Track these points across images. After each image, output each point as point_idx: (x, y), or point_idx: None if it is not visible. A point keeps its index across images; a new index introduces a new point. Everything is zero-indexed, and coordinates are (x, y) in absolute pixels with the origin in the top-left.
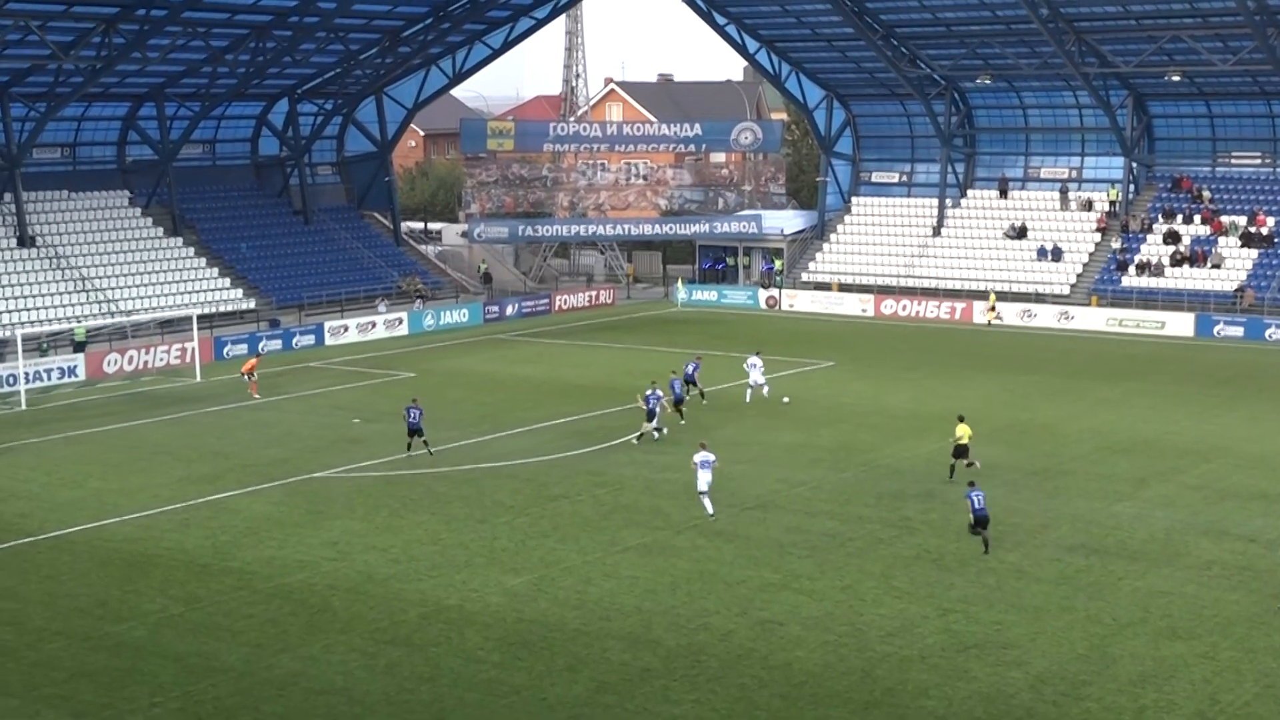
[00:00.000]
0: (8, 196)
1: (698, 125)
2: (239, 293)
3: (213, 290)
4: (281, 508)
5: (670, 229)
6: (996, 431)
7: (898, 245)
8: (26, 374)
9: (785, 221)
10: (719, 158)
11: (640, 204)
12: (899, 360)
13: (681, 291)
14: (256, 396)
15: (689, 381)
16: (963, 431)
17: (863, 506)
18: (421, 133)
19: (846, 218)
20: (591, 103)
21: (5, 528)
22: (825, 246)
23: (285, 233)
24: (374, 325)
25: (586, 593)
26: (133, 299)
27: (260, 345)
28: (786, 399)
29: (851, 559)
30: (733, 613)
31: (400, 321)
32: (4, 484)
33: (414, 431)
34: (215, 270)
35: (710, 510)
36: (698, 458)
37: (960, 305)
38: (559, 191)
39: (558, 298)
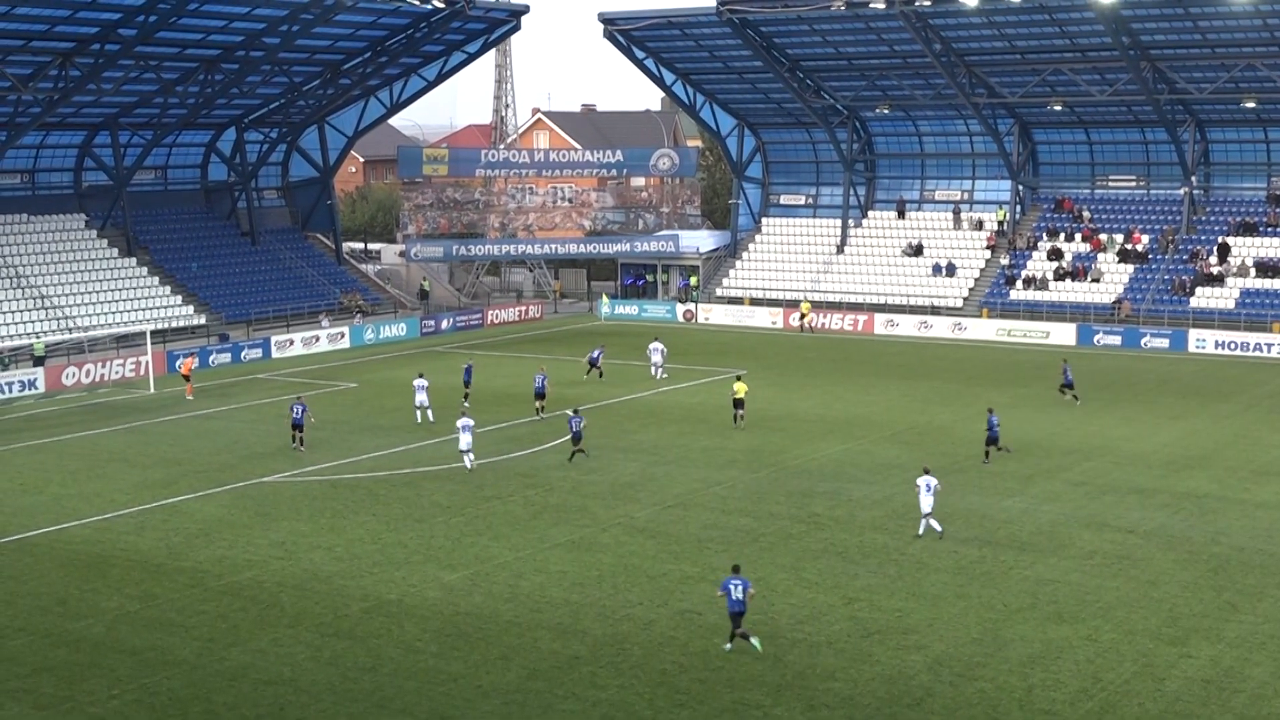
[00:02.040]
0: None
1: (619, 152)
2: (190, 309)
3: (165, 307)
4: (231, 510)
5: (594, 248)
6: (897, 434)
7: (805, 262)
8: None
9: (700, 241)
10: (639, 182)
11: (566, 225)
12: (807, 369)
13: (605, 306)
14: (190, 398)
15: (591, 364)
16: (739, 388)
17: (774, 504)
18: (361, 159)
19: (757, 237)
20: (520, 131)
21: None
22: (738, 264)
23: (233, 253)
24: (318, 339)
25: (518, 586)
26: (89, 315)
27: (183, 359)
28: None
29: (764, 553)
30: (655, 604)
31: (342, 335)
32: None
33: (296, 427)
34: (168, 288)
35: (468, 463)
36: (460, 422)
37: (863, 317)
38: (490, 213)
39: (490, 312)
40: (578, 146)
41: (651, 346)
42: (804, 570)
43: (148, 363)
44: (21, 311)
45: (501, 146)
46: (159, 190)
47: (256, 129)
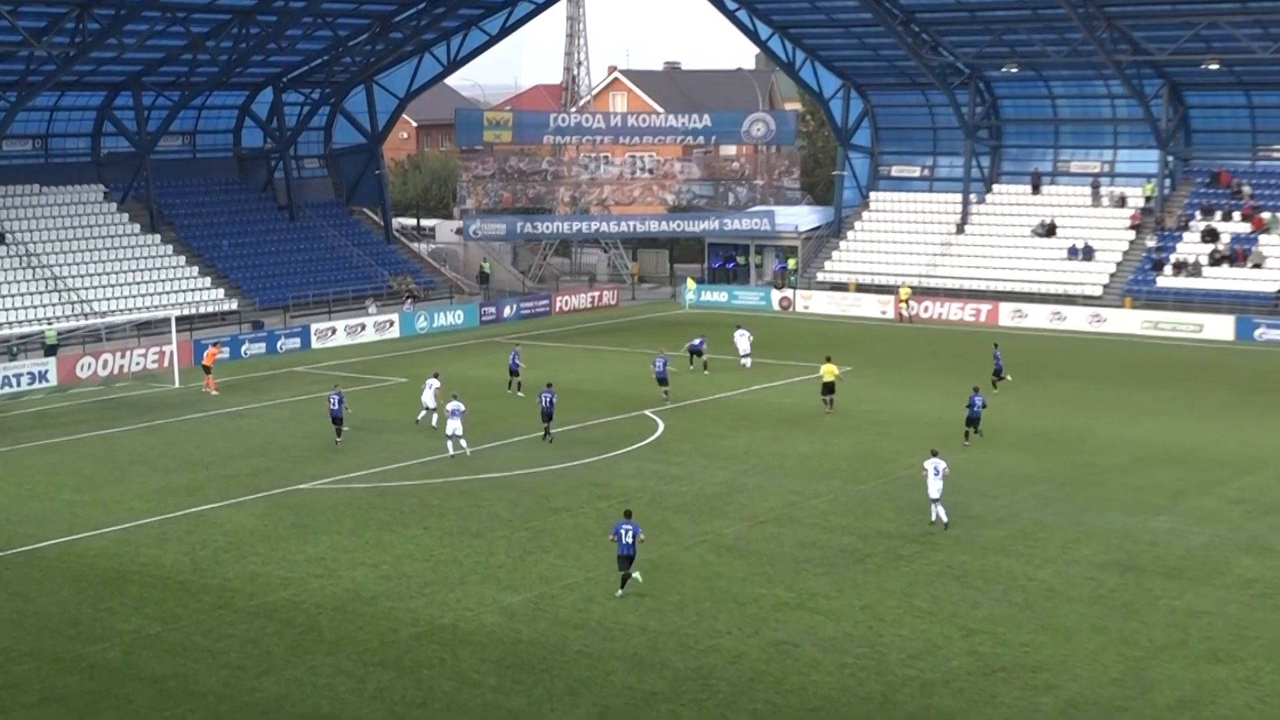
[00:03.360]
0: None
1: (707, 116)
2: (220, 293)
3: (192, 290)
4: (265, 521)
5: (678, 226)
6: (1024, 440)
7: (919, 243)
8: None
9: (800, 218)
10: (730, 150)
11: (646, 199)
12: (920, 365)
13: (690, 292)
14: (212, 391)
15: (694, 353)
16: (828, 371)
17: (882, 520)
18: (414, 124)
19: (864, 214)
20: (594, 92)
21: None
22: (842, 244)
23: (269, 229)
24: (363, 328)
25: (589, 612)
26: (108, 299)
27: (209, 347)
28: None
29: (870, 576)
30: (744, 633)
31: (391, 324)
32: None
33: (336, 420)
34: (195, 269)
35: (453, 451)
36: (449, 406)
37: (986, 307)
38: (560, 186)
39: (558, 299)
40: (660, 110)
41: (738, 333)
42: (917, 597)
43: (172, 353)
44: (32, 294)
45: (573, 110)
46: (186, 158)
47: (296, 90)
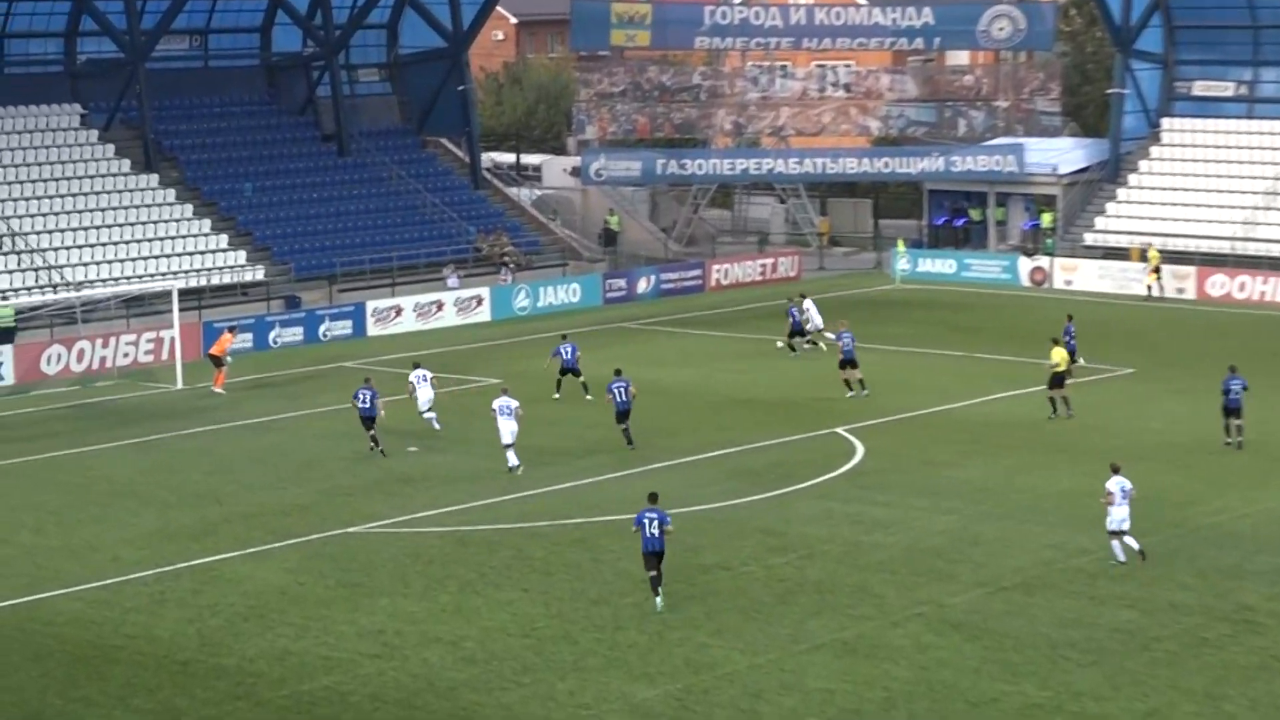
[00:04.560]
0: None
1: (928, 10)
2: (240, 256)
3: (202, 254)
4: (300, 578)
5: (885, 165)
6: None
7: (1232, 193)
8: None
9: (1059, 155)
10: (959, 59)
11: (840, 127)
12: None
13: (902, 259)
14: (220, 391)
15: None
16: (1059, 357)
17: (1176, 588)
18: (513, 20)
19: (1153, 150)
20: None
21: None
22: (1121, 194)
23: (309, 168)
24: (439, 307)
25: (757, 712)
26: (84, 265)
27: (223, 332)
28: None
29: (1160, 667)
30: None
31: (479, 302)
32: None
33: (369, 422)
34: (206, 223)
35: (513, 463)
36: (497, 403)
37: None
38: (718, 108)
39: (714, 268)
40: (861, 1)
41: (806, 304)
42: (1226, 699)
43: (173, 340)
44: None
45: (737, 2)
46: (195, 68)
47: None
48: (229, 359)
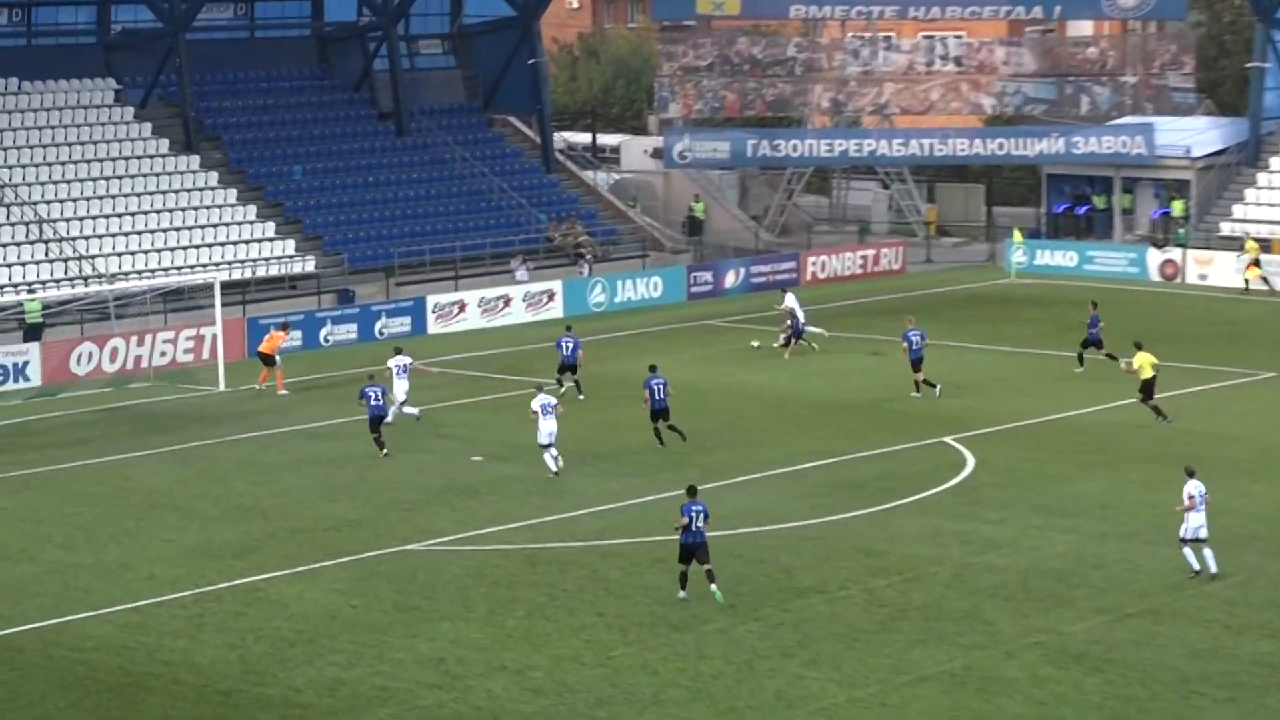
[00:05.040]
0: None
1: None
2: (289, 246)
3: (248, 243)
4: (353, 600)
5: (1000, 147)
6: None
7: None
8: None
9: (1193, 136)
10: (1082, 29)
11: (950, 105)
12: None
13: (1018, 251)
14: (284, 391)
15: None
16: (1142, 362)
17: None
18: None
19: None
20: None
21: None
22: (1261, 179)
23: (365, 149)
24: (507, 302)
25: None
26: (118, 255)
27: (271, 329)
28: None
29: None
30: None
31: (550, 296)
32: None
33: (377, 421)
34: (252, 209)
35: (554, 469)
36: (537, 403)
37: None
38: (815, 84)
39: (810, 260)
40: None
41: (787, 298)
42: None
43: (215, 337)
44: (6, 246)
45: None
46: (240, 39)
47: None
48: (279, 358)
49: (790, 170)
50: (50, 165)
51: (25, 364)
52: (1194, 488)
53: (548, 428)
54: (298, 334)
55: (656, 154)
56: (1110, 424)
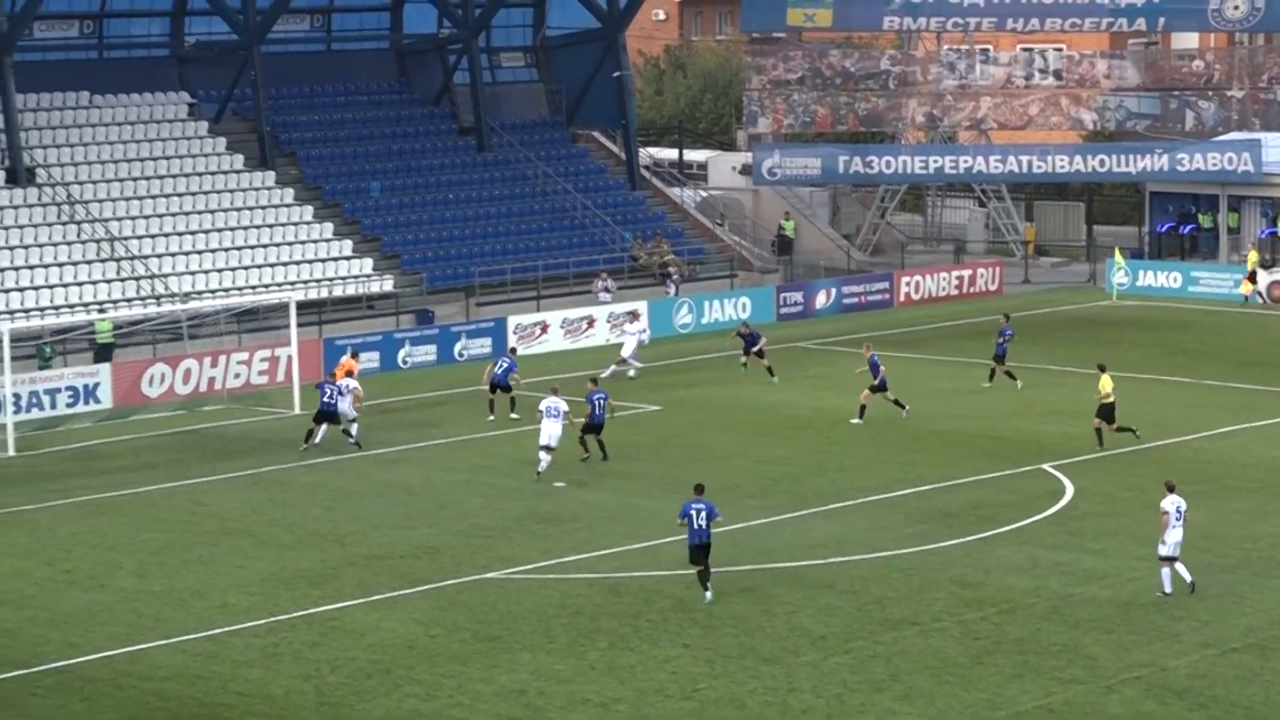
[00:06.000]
0: None
1: None
2: (366, 265)
3: (323, 261)
4: (431, 630)
5: (1101, 163)
6: None
7: None
8: (17, 397)
9: None
10: (1187, 41)
11: (1050, 120)
12: None
13: (1119, 272)
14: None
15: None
16: (1105, 385)
17: None
18: None
19: None
20: None
21: None
22: None
23: (445, 165)
24: (590, 324)
25: None
26: (190, 274)
27: (345, 354)
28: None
29: None
30: None
31: (636, 317)
32: None
33: (326, 418)
34: (328, 227)
35: (543, 466)
36: (544, 404)
37: None
38: (909, 98)
39: (903, 280)
40: None
41: (630, 329)
42: None
43: (290, 359)
44: (76, 264)
45: None
46: (317, 52)
47: None
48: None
49: (883, 187)
50: (122, 181)
51: (96, 386)
52: (1170, 503)
53: (548, 430)
54: (373, 355)
55: (745, 170)
56: (1215, 451)
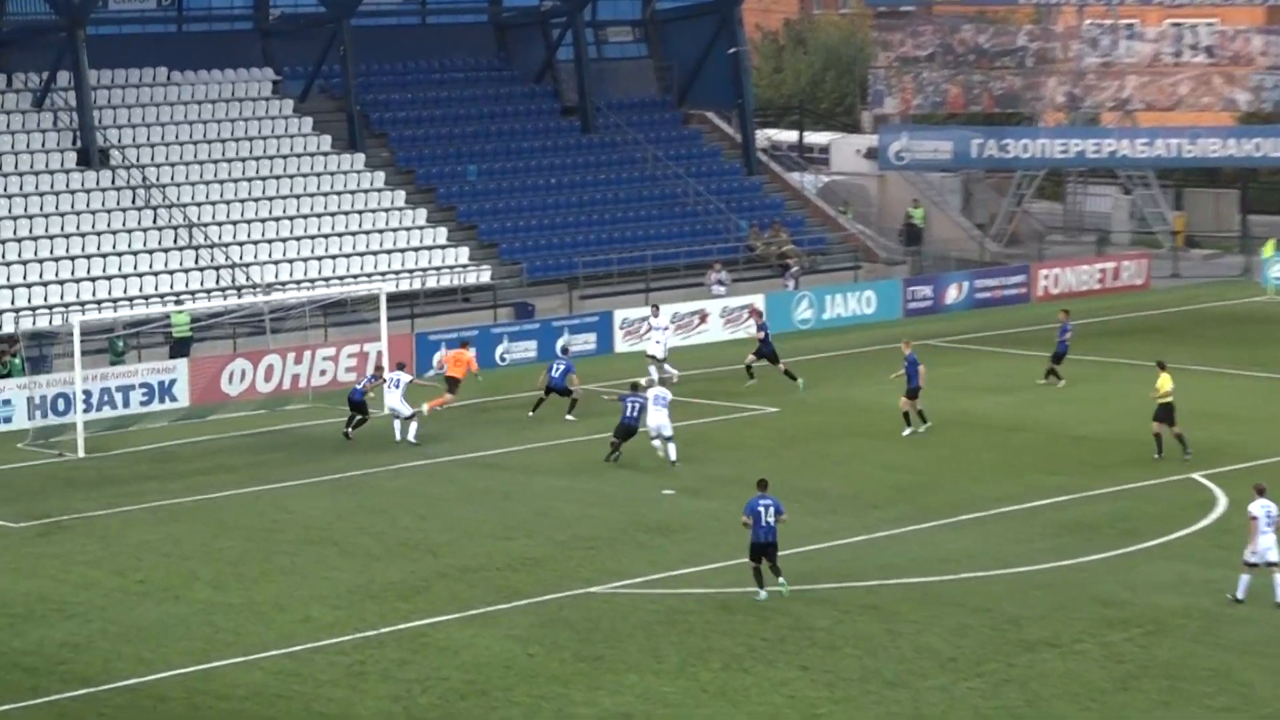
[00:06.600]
0: (60, 76)
1: None
2: (462, 254)
3: (416, 250)
4: (530, 647)
5: (1257, 147)
6: None
7: None
8: (88, 395)
9: None
10: None
11: (1201, 100)
12: None
13: (1276, 265)
14: (431, 409)
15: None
16: (1164, 383)
17: None
18: None
19: None
20: None
21: (46, 667)
22: None
23: (547, 148)
24: (703, 319)
25: None
26: (274, 263)
27: (454, 347)
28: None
29: None
30: None
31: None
32: (45, 589)
33: (356, 408)
34: (421, 213)
35: (673, 457)
36: (652, 393)
37: None
38: (1048, 77)
39: (1041, 273)
40: None
41: (654, 321)
42: None
43: (380, 354)
44: (152, 253)
45: None
46: (411, 26)
47: None
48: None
49: (1020, 173)
50: (201, 164)
51: (172, 383)
52: (1259, 508)
53: (656, 419)
54: (473, 351)
55: (870, 154)
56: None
